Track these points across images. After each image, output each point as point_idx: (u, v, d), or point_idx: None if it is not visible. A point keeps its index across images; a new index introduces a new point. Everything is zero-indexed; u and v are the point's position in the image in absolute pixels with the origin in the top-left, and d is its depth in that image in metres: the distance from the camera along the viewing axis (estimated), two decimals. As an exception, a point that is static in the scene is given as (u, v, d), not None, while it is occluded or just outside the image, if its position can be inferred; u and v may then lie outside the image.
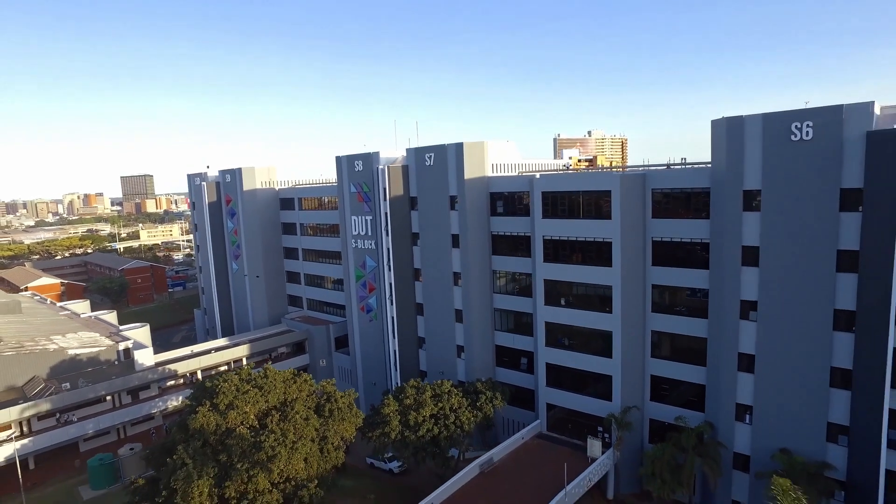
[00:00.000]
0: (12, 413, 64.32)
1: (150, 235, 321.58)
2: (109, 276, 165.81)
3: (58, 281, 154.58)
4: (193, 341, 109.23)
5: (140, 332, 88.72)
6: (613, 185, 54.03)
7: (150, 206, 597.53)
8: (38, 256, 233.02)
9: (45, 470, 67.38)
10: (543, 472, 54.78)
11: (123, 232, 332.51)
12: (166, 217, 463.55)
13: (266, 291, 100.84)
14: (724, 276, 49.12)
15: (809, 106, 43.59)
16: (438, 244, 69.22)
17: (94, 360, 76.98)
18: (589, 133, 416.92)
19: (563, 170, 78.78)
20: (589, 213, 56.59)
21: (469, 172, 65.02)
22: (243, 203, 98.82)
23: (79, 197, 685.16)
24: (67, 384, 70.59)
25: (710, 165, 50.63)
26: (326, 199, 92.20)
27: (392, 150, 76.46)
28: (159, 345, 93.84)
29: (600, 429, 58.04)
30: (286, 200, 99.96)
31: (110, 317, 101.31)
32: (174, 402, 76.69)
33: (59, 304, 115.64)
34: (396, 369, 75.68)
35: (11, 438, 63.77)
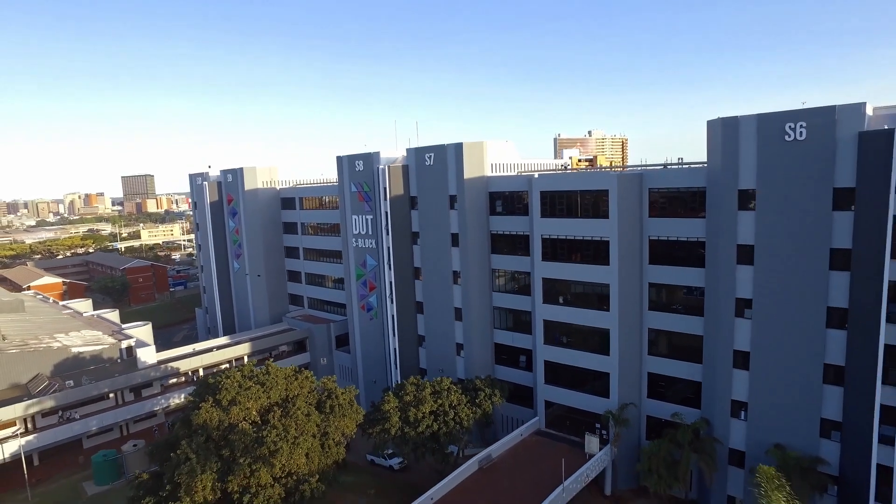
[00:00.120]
0: (17, 410, 65.09)
1: (151, 235, 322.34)
2: (111, 276, 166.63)
3: (60, 280, 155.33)
4: (195, 340, 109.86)
5: (142, 331, 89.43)
6: (611, 185, 54.73)
7: (151, 206, 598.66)
8: (39, 256, 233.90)
9: (50, 466, 68.12)
10: (541, 468, 55.44)
11: (124, 232, 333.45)
12: (167, 217, 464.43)
13: (267, 290, 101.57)
14: (719, 274, 49.82)
15: (807, 106, 44.18)
16: (438, 243, 69.93)
17: (97, 358, 77.75)
18: (589, 133, 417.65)
19: (561, 169, 79.51)
20: (587, 212, 57.28)
21: (468, 172, 65.74)
22: (245, 202, 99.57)
23: (80, 197, 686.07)
24: (71, 382, 71.34)
25: (706, 165, 51.37)
26: (327, 199, 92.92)
27: (392, 150, 77.23)
28: (161, 344, 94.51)
29: (598, 425, 58.75)
30: (287, 200, 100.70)
31: (113, 315, 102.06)
32: (176, 399, 77.46)
33: (61, 302, 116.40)
34: (397, 367, 76.41)
35: (17, 435, 64.61)
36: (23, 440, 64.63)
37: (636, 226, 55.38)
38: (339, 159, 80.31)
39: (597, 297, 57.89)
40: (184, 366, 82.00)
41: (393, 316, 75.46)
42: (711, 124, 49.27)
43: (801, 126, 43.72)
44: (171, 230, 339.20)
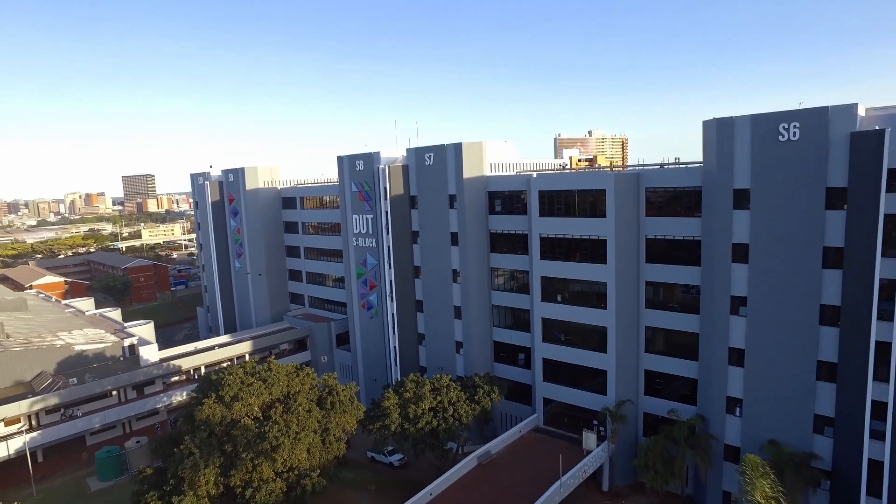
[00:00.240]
0: (22, 407, 65.87)
1: (151, 235, 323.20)
2: (113, 275, 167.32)
3: (62, 279, 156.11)
4: (196, 339, 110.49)
5: (144, 329, 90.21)
6: (608, 184, 55.42)
7: (152, 206, 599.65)
8: (41, 255, 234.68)
9: (54, 463, 68.90)
10: (540, 463, 56.14)
11: (125, 231, 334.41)
12: (168, 217, 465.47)
13: (268, 289, 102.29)
14: (714, 272, 50.51)
15: (804, 107, 44.87)
16: (438, 242, 70.66)
17: (99, 356, 78.53)
18: (589, 133, 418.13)
19: (559, 169, 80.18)
20: (584, 211, 57.96)
21: (468, 172, 66.46)
22: (246, 202, 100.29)
23: (80, 196, 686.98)
24: (74, 379, 72.06)
25: (701, 165, 52.04)
26: (328, 199, 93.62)
27: (392, 149, 77.99)
28: (162, 342, 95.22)
29: (595, 422, 59.43)
30: (288, 199, 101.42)
31: (115, 314, 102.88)
32: (178, 397, 78.16)
33: (63, 301, 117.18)
34: (397, 365, 77.14)
35: (22, 431, 65.37)
36: (27, 437, 65.40)
37: (633, 225, 56.08)
38: (340, 159, 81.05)
39: (594, 296, 58.58)
40: (186, 364, 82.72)
41: (393, 314, 76.20)
42: (707, 125, 49.97)
43: (794, 126, 44.42)
44: (172, 230, 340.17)
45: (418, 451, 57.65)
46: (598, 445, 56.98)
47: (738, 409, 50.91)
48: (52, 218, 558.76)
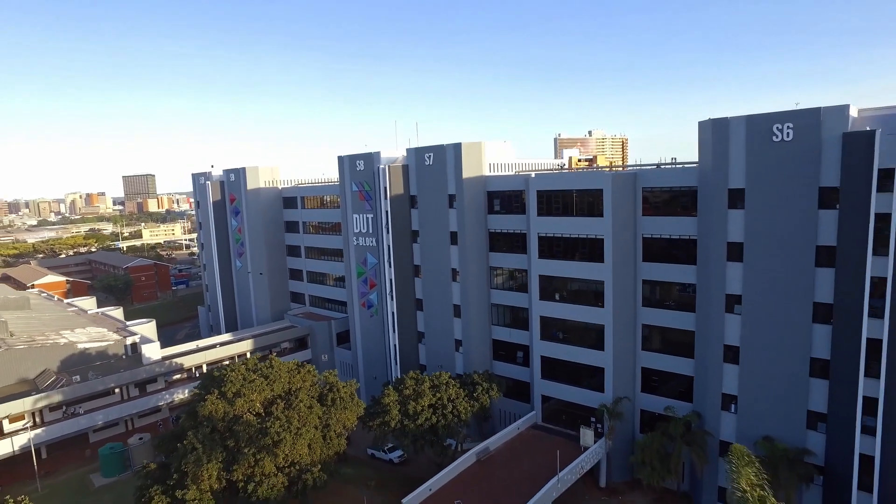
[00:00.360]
0: (26, 403, 66.59)
1: (152, 235, 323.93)
2: (114, 274, 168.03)
3: (63, 279, 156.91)
4: (197, 338, 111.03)
5: (146, 328, 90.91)
6: (605, 184, 56.15)
7: (152, 206, 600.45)
8: (42, 255, 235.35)
9: (57, 459, 69.61)
10: (538, 460, 56.88)
11: (126, 231, 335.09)
12: (168, 216, 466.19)
13: (269, 288, 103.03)
14: (710, 271, 51.21)
15: (802, 107, 45.57)
16: (437, 241, 71.40)
17: (102, 354, 79.18)
18: (589, 133, 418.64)
19: (558, 169, 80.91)
20: (582, 210, 58.67)
21: (467, 172, 67.20)
22: (247, 202, 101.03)
23: (81, 196, 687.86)
24: (77, 377, 72.75)
25: (697, 165, 52.77)
26: (328, 198, 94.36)
27: (393, 149, 78.75)
28: (164, 341, 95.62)
29: (593, 419, 60.10)
30: (289, 199, 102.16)
31: (117, 313, 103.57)
32: (180, 395, 78.89)
33: (65, 300, 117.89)
34: (397, 363, 77.87)
35: (27, 428, 66.10)
36: (31, 433, 66.12)
37: (630, 224, 56.79)
38: (341, 159, 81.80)
39: (592, 294, 59.29)
40: (187, 362, 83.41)
41: (393, 313, 76.92)
42: (702, 125, 50.70)
43: (788, 127, 45.13)
44: (173, 230, 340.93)
45: (418, 447, 58.34)
46: (595, 442, 57.68)
47: (733, 405, 51.60)
48: (52, 218, 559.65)
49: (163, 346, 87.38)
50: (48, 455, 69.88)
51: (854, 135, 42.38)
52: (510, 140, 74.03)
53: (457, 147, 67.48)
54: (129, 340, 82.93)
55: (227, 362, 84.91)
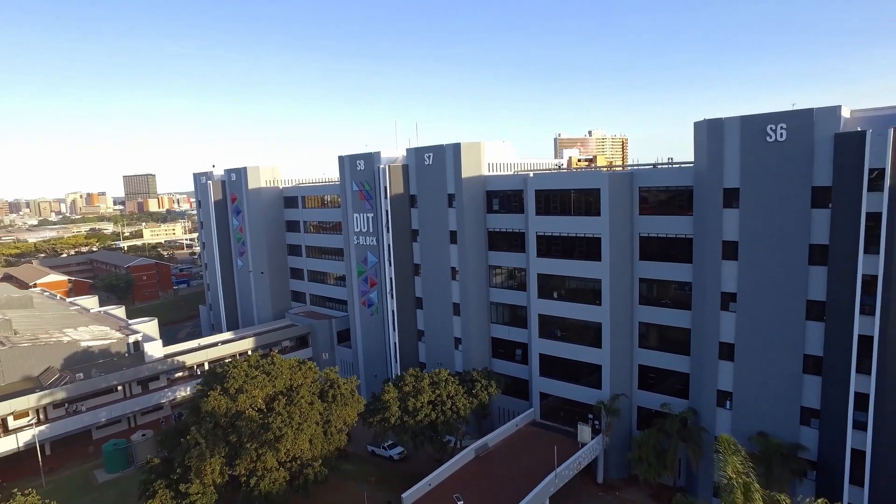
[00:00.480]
0: (31, 400, 67.39)
1: (153, 234, 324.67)
2: (115, 274, 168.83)
3: (65, 278, 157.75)
4: (198, 337, 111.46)
5: (148, 326, 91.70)
6: (602, 184, 56.88)
7: (153, 206, 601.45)
8: (44, 254, 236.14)
9: (61, 456, 70.44)
10: (536, 456, 57.63)
11: (126, 231, 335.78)
12: (169, 216, 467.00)
13: (270, 287, 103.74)
14: (705, 269, 51.95)
15: (799, 108, 46.27)
16: (437, 240, 72.15)
17: (105, 352, 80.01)
18: (589, 133, 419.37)
19: (556, 169, 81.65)
20: (580, 210, 59.37)
21: (466, 171, 67.94)
22: (248, 201, 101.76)
23: (81, 196, 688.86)
24: (81, 374, 73.56)
25: (693, 165, 53.51)
26: (329, 198, 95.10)
27: (393, 149, 79.55)
28: (165, 340, 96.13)
29: (590, 416, 60.80)
30: (290, 199, 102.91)
31: (119, 311, 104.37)
32: (182, 392, 79.74)
33: (68, 299, 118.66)
34: (397, 361, 78.61)
35: (31, 425, 66.90)
36: (36, 430, 66.94)
37: (627, 223, 57.52)
38: (341, 159, 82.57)
39: (589, 292, 60.02)
40: (189, 360, 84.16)
41: (393, 311, 77.67)
42: (698, 126, 51.43)
43: (781, 128, 45.88)
44: (173, 229, 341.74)
45: (417, 443, 59.07)
46: (592, 438, 58.40)
47: (728, 402, 52.34)
48: (53, 217, 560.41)
49: (164, 344, 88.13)
50: (52, 452, 70.76)
51: (845, 135, 43.13)
52: (510, 140, 74.95)
53: (456, 147, 68.25)
54: (131, 338, 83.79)
55: (228, 360, 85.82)
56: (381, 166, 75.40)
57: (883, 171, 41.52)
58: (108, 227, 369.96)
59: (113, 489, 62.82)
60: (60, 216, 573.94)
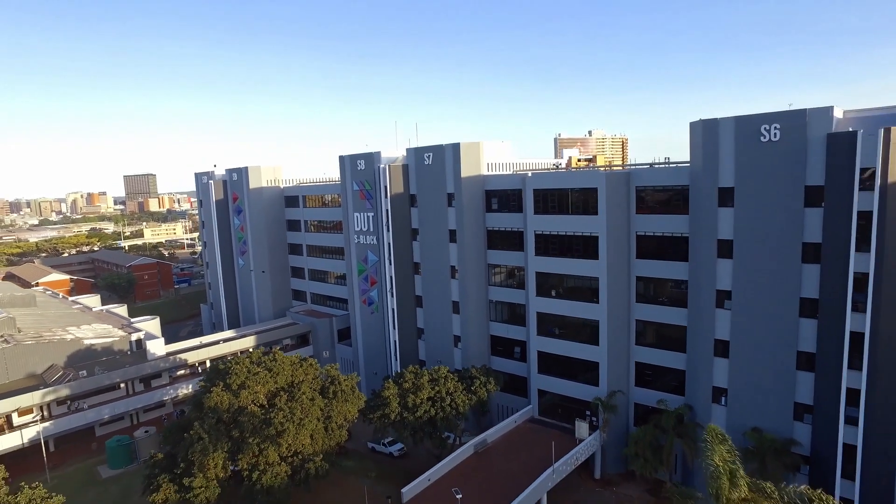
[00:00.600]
0: (35, 397, 68.21)
1: (153, 234, 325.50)
2: (117, 273, 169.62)
3: (67, 277, 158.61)
4: (200, 335, 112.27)
5: (151, 325, 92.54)
6: (599, 183, 57.63)
7: (153, 205, 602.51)
8: (45, 254, 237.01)
9: (64, 452, 71.25)
10: (534, 452, 58.35)
11: (127, 230, 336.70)
12: (169, 216, 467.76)
13: (271, 286, 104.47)
14: (701, 267, 52.70)
15: (793, 108, 46.94)
16: (437, 239, 72.91)
17: (108, 350, 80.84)
18: (589, 133, 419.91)
19: (554, 168, 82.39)
20: (577, 209, 60.13)
21: (465, 171, 68.70)
22: (249, 201, 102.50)
23: (82, 196, 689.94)
24: (84, 372, 74.37)
25: (689, 165, 54.24)
26: (329, 197, 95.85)
27: (393, 149, 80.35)
28: (167, 338, 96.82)
29: (588, 412, 61.56)
30: (291, 198, 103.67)
31: (121, 310, 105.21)
32: (184, 390, 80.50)
33: (70, 298, 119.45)
34: (397, 359, 79.38)
35: (35, 421, 67.70)
36: (40, 426, 67.73)
37: (624, 222, 58.27)
38: (342, 159, 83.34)
39: (587, 290, 60.78)
40: (191, 358, 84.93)
41: (393, 310, 78.43)
42: (693, 126, 52.17)
43: (775, 128, 46.61)
44: (174, 229, 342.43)
45: (417, 439, 59.80)
46: (590, 435, 59.09)
47: (723, 398, 53.09)
48: (54, 217, 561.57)
49: (166, 342, 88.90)
50: (56, 448, 71.58)
51: (837, 135, 43.89)
52: (509, 140, 75.68)
53: (455, 147, 69.00)
54: (133, 336, 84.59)
55: (230, 357, 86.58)
56: (382, 166, 76.16)
57: (874, 170, 42.28)
58: (109, 227, 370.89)
59: (116, 485, 63.65)
60: (61, 216, 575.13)
